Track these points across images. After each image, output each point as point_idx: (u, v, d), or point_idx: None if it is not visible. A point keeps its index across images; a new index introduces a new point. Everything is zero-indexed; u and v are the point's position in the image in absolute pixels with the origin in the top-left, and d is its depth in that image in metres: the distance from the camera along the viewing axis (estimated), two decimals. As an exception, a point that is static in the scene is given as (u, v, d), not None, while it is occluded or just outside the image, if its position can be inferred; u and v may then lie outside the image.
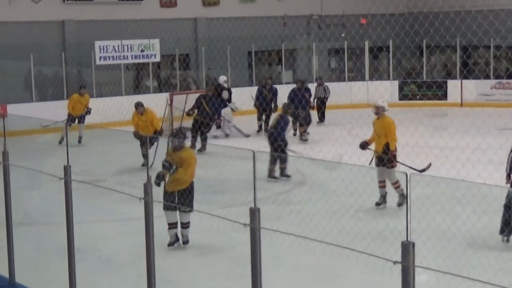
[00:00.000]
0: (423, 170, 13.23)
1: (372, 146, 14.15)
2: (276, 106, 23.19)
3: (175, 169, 11.13)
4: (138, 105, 19.14)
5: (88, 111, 22.35)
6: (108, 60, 27.31)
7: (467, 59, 31.69)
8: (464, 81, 30.40)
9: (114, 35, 27.45)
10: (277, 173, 15.95)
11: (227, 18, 30.56)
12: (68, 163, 7.16)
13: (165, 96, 25.62)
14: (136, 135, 17.66)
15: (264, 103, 23.74)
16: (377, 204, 13.60)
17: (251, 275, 5.49)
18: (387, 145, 13.82)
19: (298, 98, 21.93)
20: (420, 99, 30.55)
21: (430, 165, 13.71)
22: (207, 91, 22.32)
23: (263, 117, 23.96)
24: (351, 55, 31.62)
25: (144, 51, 27.73)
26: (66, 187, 7.12)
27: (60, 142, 20.26)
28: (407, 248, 4.64)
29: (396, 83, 31.07)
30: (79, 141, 21.04)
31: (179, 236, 11.23)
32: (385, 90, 29.88)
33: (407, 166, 13.42)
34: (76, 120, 21.85)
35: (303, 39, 33.55)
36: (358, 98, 29.86)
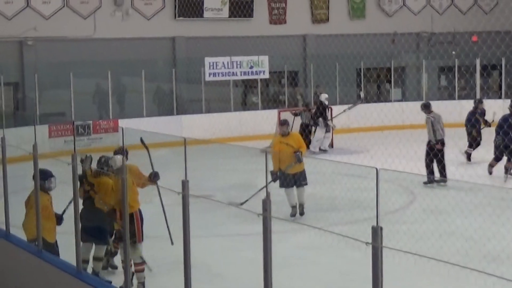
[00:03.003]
0: None
1: None
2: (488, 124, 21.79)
3: None
4: (283, 123, 15.21)
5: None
6: (218, 77, 27.57)
7: None
8: None
9: (223, 52, 27.72)
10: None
11: (336, 35, 30.47)
12: (186, 177, 7.19)
13: (271, 113, 25.80)
14: (274, 175, 14.22)
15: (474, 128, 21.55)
16: None
17: (372, 295, 5.40)
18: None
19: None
20: (533, 118, 29.65)
21: None
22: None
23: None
24: (462, 73, 31.08)
25: (253, 67, 27.88)
26: (183, 202, 7.14)
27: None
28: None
29: (507, 102, 30.27)
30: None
31: None
32: (495, 109, 29.30)
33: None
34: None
35: (412, 56, 33.25)
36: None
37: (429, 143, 18.08)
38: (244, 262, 11.11)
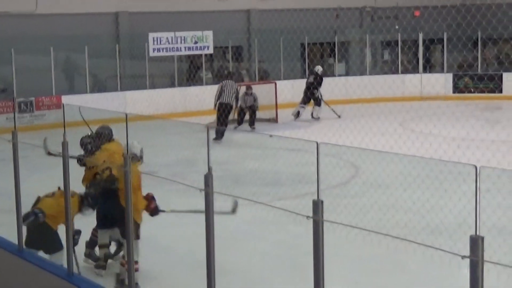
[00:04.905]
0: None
1: None
2: None
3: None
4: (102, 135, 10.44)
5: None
6: (162, 52, 27.40)
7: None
8: (520, 73, 29.96)
9: (167, 27, 27.55)
10: None
11: (280, 10, 30.51)
12: (127, 153, 7.18)
13: (215, 88, 25.72)
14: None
15: None
16: None
17: (313, 267, 5.45)
18: None
19: None
20: (474, 92, 30.10)
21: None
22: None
23: None
24: (404, 47, 31.36)
25: (197, 42, 27.76)
26: (125, 178, 7.12)
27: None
28: (476, 242, 4.56)
29: (450, 76, 30.70)
30: None
31: None
32: (438, 83, 29.65)
33: None
34: None
35: (356, 31, 33.43)
36: (410, 90, 29.70)
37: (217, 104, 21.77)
38: (191, 237, 11.13)
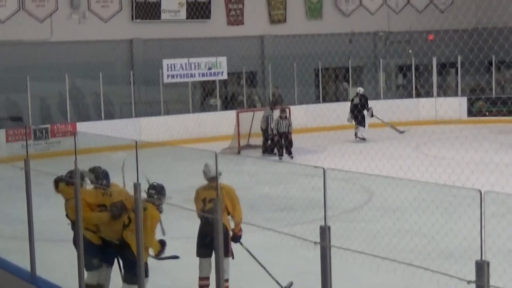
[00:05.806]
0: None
1: None
2: None
3: None
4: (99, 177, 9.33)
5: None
6: (176, 78, 27.53)
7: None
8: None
9: (181, 53, 27.68)
10: None
11: (294, 36, 30.60)
12: (138, 181, 7.21)
13: (230, 114, 25.82)
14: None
15: None
16: None
17: (321, 293, 5.47)
18: None
19: None
20: (489, 115, 30.02)
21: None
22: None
23: None
24: (419, 72, 31.36)
25: (211, 68, 27.87)
26: (136, 205, 7.17)
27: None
28: (482, 267, 4.57)
29: (464, 100, 30.67)
30: None
31: None
32: (452, 107, 29.62)
33: None
34: None
35: (370, 56, 33.44)
36: (425, 114, 29.66)
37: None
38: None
